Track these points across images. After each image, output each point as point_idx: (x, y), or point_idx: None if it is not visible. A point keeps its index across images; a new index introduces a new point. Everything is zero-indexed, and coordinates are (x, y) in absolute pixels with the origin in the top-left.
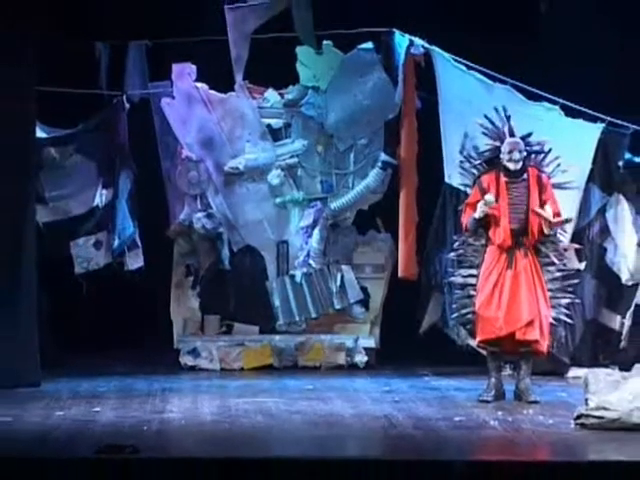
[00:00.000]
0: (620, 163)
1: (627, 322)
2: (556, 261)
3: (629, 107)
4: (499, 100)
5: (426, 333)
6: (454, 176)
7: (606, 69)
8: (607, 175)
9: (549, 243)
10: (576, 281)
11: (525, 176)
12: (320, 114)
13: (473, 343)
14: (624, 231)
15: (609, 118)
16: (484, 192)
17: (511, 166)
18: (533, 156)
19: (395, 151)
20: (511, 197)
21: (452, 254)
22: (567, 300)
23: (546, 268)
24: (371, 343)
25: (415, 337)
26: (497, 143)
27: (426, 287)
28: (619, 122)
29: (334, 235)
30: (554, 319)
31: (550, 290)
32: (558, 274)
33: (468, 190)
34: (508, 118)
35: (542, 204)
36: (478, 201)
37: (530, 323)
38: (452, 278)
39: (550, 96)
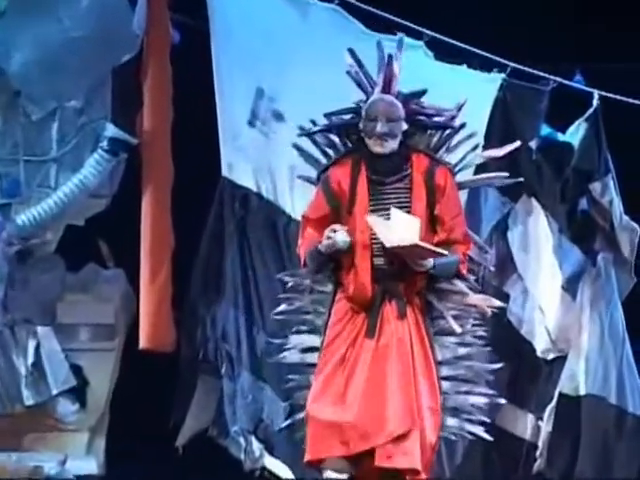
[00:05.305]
0: (533, 143)
1: (545, 426)
2: (457, 329)
3: (546, 50)
4: (318, 29)
5: (189, 447)
6: (237, 166)
7: None
8: (509, 163)
9: (449, 292)
10: (500, 365)
11: (406, 170)
12: None
13: (275, 466)
14: (540, 265)
15: (514, 64)
16: (333, 196)
17: (375, 146)
18: (428, 134)
19: (133, 121)
20: (377, 209)
21: (280, 309)
22: (484, 399)
23: (443, 339)
24: (91, 467)
25: (169, 454)
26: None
27: (189, 365)
28: (531, 71)
29: (23, 272)
30: (456, 430)
31: (446, 379)
32: (462, 351)
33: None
34: (390, 58)
35: (434, 220)
36: (324, 216)
37: (403, 437)
38: (284, 354)
39: (411, 25)
